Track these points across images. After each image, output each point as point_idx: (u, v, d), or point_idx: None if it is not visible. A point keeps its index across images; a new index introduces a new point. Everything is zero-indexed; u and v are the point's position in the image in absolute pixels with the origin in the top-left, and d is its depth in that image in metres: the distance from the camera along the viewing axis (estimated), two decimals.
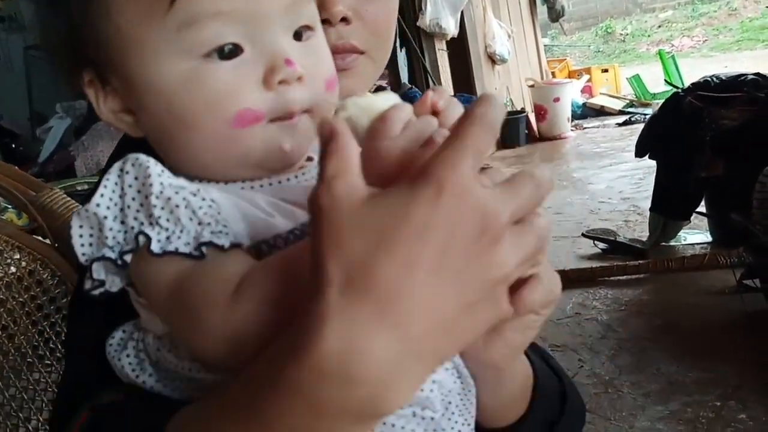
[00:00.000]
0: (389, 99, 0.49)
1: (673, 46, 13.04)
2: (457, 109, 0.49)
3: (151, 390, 0.55)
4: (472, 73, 6.60)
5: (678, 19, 14.72)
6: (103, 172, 0.74)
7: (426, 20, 5.82)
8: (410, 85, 5.47)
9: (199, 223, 0.48)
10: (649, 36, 14.46)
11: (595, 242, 3.78)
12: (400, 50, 5.96)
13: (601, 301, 3.18)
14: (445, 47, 6.20)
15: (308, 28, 0.55)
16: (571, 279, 3.31)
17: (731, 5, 14.32)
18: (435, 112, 0.49)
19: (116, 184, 0.49)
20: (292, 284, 0.44)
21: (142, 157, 0.49)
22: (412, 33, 5.92)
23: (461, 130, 0.41)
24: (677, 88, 3.84)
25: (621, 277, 3.36)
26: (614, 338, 2.82)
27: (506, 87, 7.33)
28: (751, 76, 3.37)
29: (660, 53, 8.40)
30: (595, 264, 3.52)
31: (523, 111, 7.08)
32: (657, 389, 2.40)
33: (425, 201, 0.38)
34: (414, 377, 0.41)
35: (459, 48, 6.41)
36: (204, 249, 0.47)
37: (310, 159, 0.57)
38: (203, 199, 0.49)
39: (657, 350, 2.68)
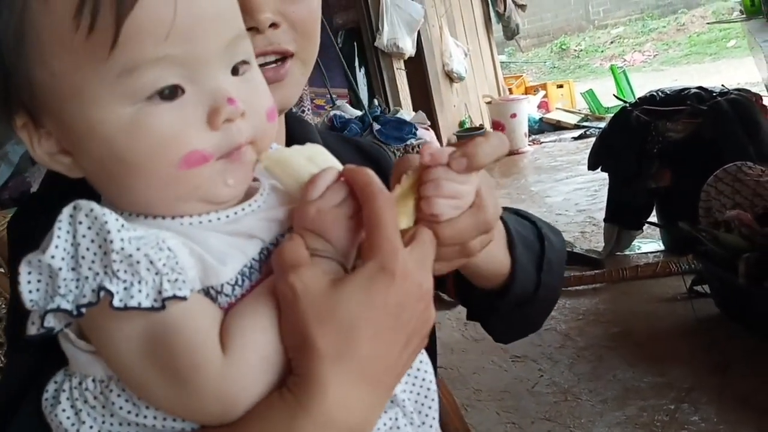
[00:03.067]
0: (305, 153, 0.56)
1: (625, 60, 13.38)
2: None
3: None
4: (431, 91, 6.69)
5: (629, 35, 15.13)
6: (33, 198, 0.75)
7: (383, 40, 5.89)
8: (377, 105, 5.50)
9: (157, 273, 0.48)
10: (602, 51, 14.82)
11: None
12: (359, 70, 6.02)
13: (560, 311, 3.24)
14: (403, 66, 6.28)
15: (245, 62, 0.56)
16: None
17: (679, 21, 14.79)
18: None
19: (69, 233, 0.48)
20: (274, 335, 0.52)
21: (97, 209, 0.48)
22: (370, 53, 5.99)
23: (378, 210, 0.54)
24: (625, 102, 3.96)
25: (578, 287, 3.44)
26: (572, 347, 2.89)
27: (464, 104, 7.45)
28: (694, 90, 3.50)
29: (612, 68, 8.63)
30: None
31: (481, 127, 7.19)
32: (614, 395, 2.47)
33: (382, 288, 0.52)
34: (380, 411, 0.56)
35: (417, 67, 6.49)
36: (166, 303, 0.48)
37: (255, 180, 0.60)
38: (161, 249, 0.48)
39: (613, 357, 2.75)
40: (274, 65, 0.71)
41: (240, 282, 0.54)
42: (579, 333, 3.01)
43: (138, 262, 0.47)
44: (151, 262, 0.48)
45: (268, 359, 0.51)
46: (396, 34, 5.94)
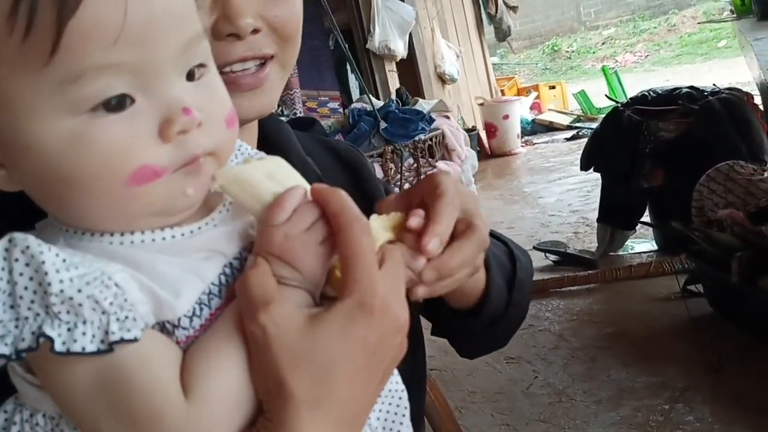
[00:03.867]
0: (263, 168, 0.52)
1: (617, 61, 13.44)
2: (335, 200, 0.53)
3: None
4: (423, 93, 6.69)
5: (621, 36, 15.20)
6: None
7: (375, 42, 5.89)
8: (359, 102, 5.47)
9: (104, 313, 0.44)
10: (593, 53, 14.88)
11: (547, 254, 3.86)
12: (351, 72, 6.01)
13: (553, 311, 3.24)
14: (395, 68, 6.28)
15: (201, 66, 0.51)
16: None
17: (670, 21, 14.86)
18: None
19: (4, 269, 0.43)
20: (242, 376, 0.48)
21: (33, 246, 0.43)
22: (361, 55, 5.98)
23: (354, 241, 0.50)
24: (617, 102, 3.96)
25: (572, 288, 3.44)
26: (566, 348, 2.88)
27: (457, 105, 7.45)
28: (686, 90, 3.51)
29: (603, 69, 8.66)
30: (546, 276, 3.59)
31: (474, 129, 7.20)
32: (608, 396, 2.46)
33: (361, 327, 0.49)
34: None
35: (409, 68, 6.49)
36: (114, 346, 0.44)
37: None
38: (107, 287, 0.44)
39: (607, 358, 2.74)
40: (253, 70, 0.68)
41: (198, 312, 0.49)
42: (573, 333, 3.00)
43: (80, 305, 0.43)
44: (97, 302, 0.44)
45: (236, 403, 0.48)
46: (387, 36, 5.94)
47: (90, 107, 0.45)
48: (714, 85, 3.65)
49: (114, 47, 0.44)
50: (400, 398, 0.61)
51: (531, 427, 2.38)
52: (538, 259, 3.89)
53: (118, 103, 0.45)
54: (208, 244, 0.52)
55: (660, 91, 3.60)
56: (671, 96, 3.50)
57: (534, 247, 3.94)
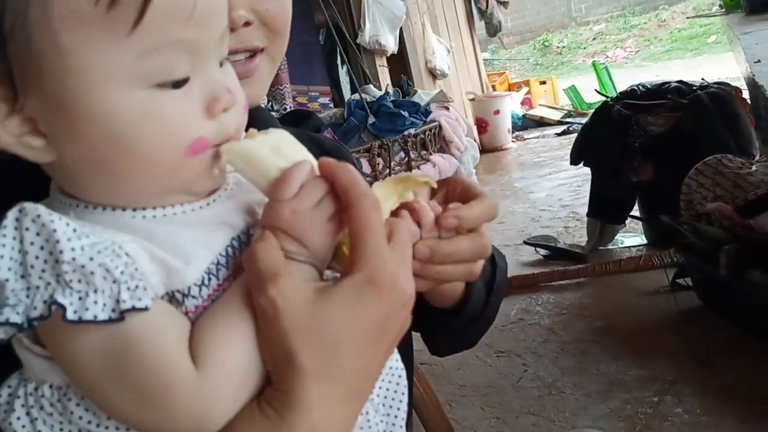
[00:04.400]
0: (268, 143, 0.52)
1: (607, 57, 13.47)
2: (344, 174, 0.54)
3: None
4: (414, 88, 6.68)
5: (611, 32, 15.22)
6: None
7: (365, 37, 5.87)
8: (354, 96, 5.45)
9: (115, 282, 0.45)
10: (584, 48, 14.90)
11: (537, 249, 3.87)
12: (342, 67, 6.00)
13: (544, 305, 3.25)
14: (385, 63, 6.26)
15: (225, 57, 0.55)
16: (514, 286, 3.38)
17: (660, 17, 14.90)
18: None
19: (15, 239, 0.44)
20: (251, 348, 0.49)
21: (44, 215, 0.44)
22: (352, 50, 5.97)
23: (364, 215, 0.51)
24: (607, 97, 3.97)
25: (562, 282, 3.45)
26: (556, 341, 2.89)
27: None
28: (675, 84, 3.52)
29: (594, 65, 8.67)
30: (537, 270, 3.60)
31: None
32: (598, 389, 2.47)
33: (370, 302, 0.50)
34: (357, 418, 0.55)
35: (400, 64, 6.48)
36: (125, 314, 0.45)
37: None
38: (118, 256, 0.45)
39: (597, 351, 2.76)
40: (243, 60, 0.70)
41: (207, 281, 0.51)
42: (563, 327, 3.01)
43: (92, 273, 0.44)
44: (108, 271, 0.44)
45: (245, 374, 0.49)
46: (378, 30, 5.92)
47: (160, 81, 0.48)
48: (703, 79, 3.66)
49: (185, 25, 0.48)
50: (399, 376, 0.62)
51: (521, 421, 2.39)
52: (529, 254, 3.90)
53: (183, 80, 0.49)
54: (217, 216, 0.53)
55: (649, 86, 3.61)
56: (660, 90, 3.51)
57: (524, 242, 3.95)
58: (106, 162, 0.49)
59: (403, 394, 0.62)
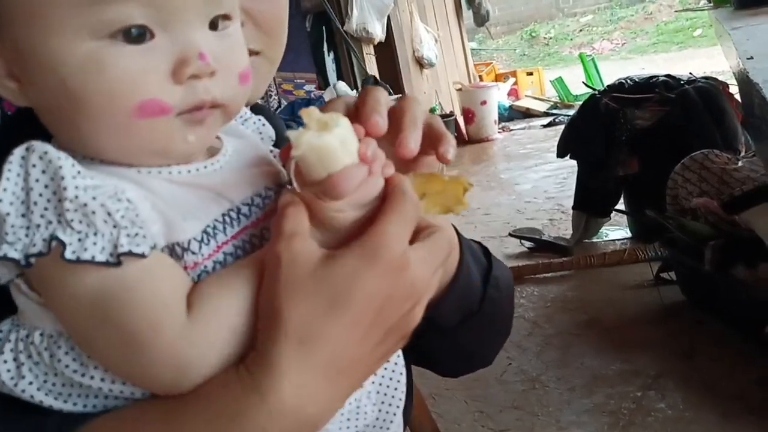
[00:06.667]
0: (340, 136, 0.48)
1: (594, 49, 13.47)
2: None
3: (30, 400, 0.50)
4: (401, 77, 6.64)
5: (598, 23, 15.23)
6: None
7: (353, 25, 5.82)
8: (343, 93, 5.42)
9: (115, 226, 0.44)
10: (571, 39, 14.89)
11: (522, 241, 3.86)
12: (328, 55, 5.94)
13: (528, 298, 3.24)
14: (372, 51, 6.22)
15: (226, 17, 0.51)
16: None
17: (647, 9, 14.92)
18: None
19: (19, 176, 0.44)
20: (249, 308, 0.48)
21: (51, 153, 0.44)
22: (339, 38, 5.91)
23: (401, 200, 0.49)
24: (594, 90, 3.96)
25: (546, 275, 3.44)
26: (540, 335, 2.89)
27: (435, 90, 7.41)
28: (663, 78, 3.51)
29: (581, 56, 8.67)
30: (522, 263, 3.59)
31: (451, 114, 7.17)
32: (582, 383, 2.47)
33: (373, 273, 0.47)
34: (339, 406, 0.51)
35: (387, 52, 6.43)
36: (122, 259, 0.44)
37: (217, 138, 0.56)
38: (119, 201, 0.45)
39: (581, 345, 2.76)
40: None
41: (206, 240, 0.50)
42: (547, 320, 3.00)
43: (93, 212, 0.44)
44: (108, 214, 0.44)
45: (235, 330, 0.47)
46: (365, 18, 5.87)
47: (110, 32, 0.45)
48: (690, 74, 3.65)
49: None
50: (395, 363, 0.60)
51: (504, 414, 2.38)
52: (514, 246, 3.90)
53: (138, 35, 0.46)
54: (214, 185, 0.52)
55: (637, 79, 3.60)
56: (648, 84, 3.51)
57: (509, 234, 3.94)
58: (60, 112, 0.48)
59: (398, 381, 0.60)
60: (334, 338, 0.47)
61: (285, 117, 4.80)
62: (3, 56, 0.49)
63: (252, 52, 0.67)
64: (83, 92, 0.46)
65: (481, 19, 8.63)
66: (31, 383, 0.49)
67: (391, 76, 6.42)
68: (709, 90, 3.34)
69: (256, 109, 0.78)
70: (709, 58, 8.87)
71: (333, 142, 0.48)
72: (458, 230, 0.73)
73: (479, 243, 0.81)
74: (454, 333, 0.73)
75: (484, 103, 7.23)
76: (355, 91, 5.46)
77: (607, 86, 3.79)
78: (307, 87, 5.64)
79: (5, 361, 0.50)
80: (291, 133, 0.47)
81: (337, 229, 0.50)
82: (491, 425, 2.34)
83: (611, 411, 2.28)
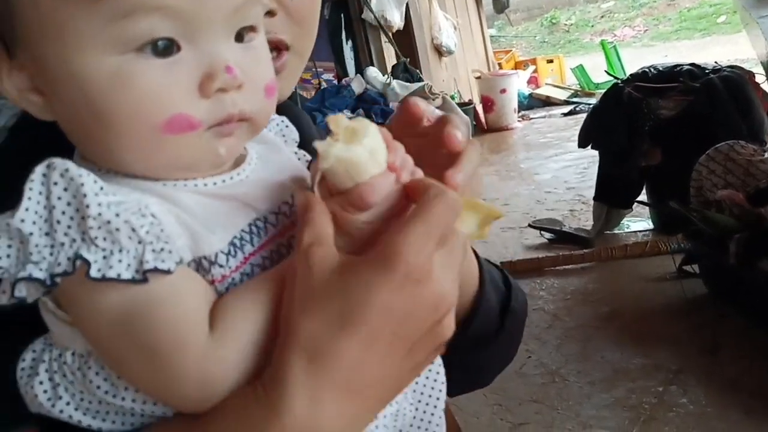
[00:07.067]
0: (369, 146, 0.47)
1: (615, 35, 13.30)
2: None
3: (68, 421, 0.49)
4: (419, 65, 6.60)
5: (620, 10, 15.02)
6: (12, 140, 0.66)
7: (371, 13, 5.78)
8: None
9: (140, 242, 0.44)
10: (592, 26, 14.72)
11: (542, 232, 3.83)
12: (346, 43, 5.92)
13: (548, 290, 3.22)
14: (391, 39, 6.18)
15: (252, 29, 0.50)
16: (518, 270, 3.35)
17: None
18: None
19: (41, 194, 0.43)
20: (271, 321, 0.46)
21: (72, 169, 0.43)
22: (357, 26, 5.88)
23: (427, 208, 0.46)
24: (617, 78, 3.90)
25: (567, 267, 3.41)
26: (560, 327, 2.86)
27: (453, 78, 7.36)
28: (687, 67, 3.45)
29: (602, 43, 8.56)
30: (541, 254, 3.57)
31: (470, 102, 7.13)
32: (602, 377, 2.45)
33: (391, 285, 0.44)
34: (364, 425, 0.49)
35: (405, 40, 6.39)
36: (148, 275, 0.43)
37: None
38: (144, 216, 0.44)
39: (602, 338, 2.73)
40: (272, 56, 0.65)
41: (233, 252, 0.48)
42: (567, 313, 2.98)
43: (117, 230, 0.43)
44: (133, 230, 0.43)
45: (256, 345, 0.46)
46: (384, 6, 5.83)
47: (137, 46, 0.45)
48: (716, 62, 3.59)
49: None
50: (436, 378, 0.58)
51: (523, 408, 2.37)
52: (533, 237, 3.86)
53: (164, 48, 0.45)
54: (240, 195, 0.51)
55: (661, 68, 3.54)
56: (672, 73, 3.45)
57: (529, 225, 3.91)
58: (86, 127, 0.47)
59: (435, 380, 0.58)
60: (348, 355, 0.45)
61: (313, 105, 4.78)
62: (28, 70, 0.48)
63: (282, 45, 0.66)
64: (109, 107, 0.45)
65: (500, 6, 8.55)
66: (68, 403, 0.49)
67: (409, 64, 6.38)
68: (734, 79, 3.27)
69: (283, 108, 0.76)
70: (733, 45, 8.71)
71: (362, 154, 0.46)
72: (477, 254, 0.71)
73: (501, 269, 0.80)
74: (466, 355, 0.71)
75: (503, 91, 7.17)
76: (385, 77, 5.43)
77: (631, 75, 3.74)
78: (326, 76, 5.63)
79: (41, 382, 0.49)
80: (319, 145, 0.46)
81: (363, 237, 0.48)
82: (510, 418, 2.33)
83: (632, 406, 2.26)
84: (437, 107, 0.65)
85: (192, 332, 0.45)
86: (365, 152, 0.47)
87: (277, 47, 0.66)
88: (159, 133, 0.46)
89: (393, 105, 4.94)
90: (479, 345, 0.72)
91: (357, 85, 5.29)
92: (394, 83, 5.38)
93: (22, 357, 0.51)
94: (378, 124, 0.50)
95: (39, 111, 0.50)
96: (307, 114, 0.86)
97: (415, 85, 5.45)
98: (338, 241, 0.47)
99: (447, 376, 0.78)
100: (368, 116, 4.40)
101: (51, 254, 0.43)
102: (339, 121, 0.47)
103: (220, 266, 0.48)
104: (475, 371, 0.78)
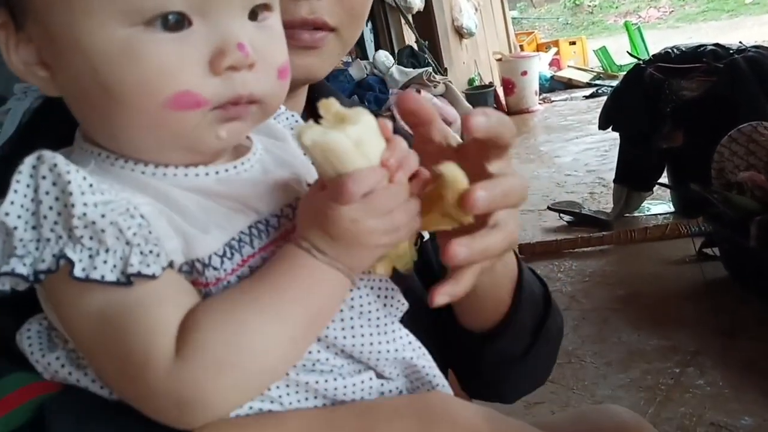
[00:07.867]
0: (356, 135, 0.46)
1: (640, 17, 13.09)
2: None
3: (86, 390, 0.49)
4: (440, 47, 6.56)
5: None
6: (23, 135, 0.65)
7: None
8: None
9: (127, 243, 0.43)
10: (616, 8, 14.49)
11: (561, 215, 3.81)
12: (366, 24, 5.90)
13: (566, 272, 3.21)
14: (411, 21, 6.14)
15: (266, 8, 0.49)
16: (536, 252, 3.34)
17: None
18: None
19: (29, 187, 0.43)
20: (248, 333, 0.45)
21: (61, 165, 0.42)
22: (377, 7, 5.85)
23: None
24: (639, 59, 3.85)
25: (585, 249, 3.40)
26: (578, 309, 2.86)
27: (474, 61, 7.31)
28: (710, 47, 3.39)
29: (626, 25, 8.43)
30: (560, 236, 3.55)
31: (491, 85, 7.08)
32: (618, 358, 2.44)
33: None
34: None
35: (425, 22, 6.35)
36: (132, 279, 0.43)
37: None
38: (132, 217, 0.43)
39: (619, 320, 2.72)
40: (311, 30, 0.64)
41: (229, 254, 0.48)
42: (585, 295, 2.97)
43: (103, 231, 0.42)
44: (120, 231, 0.43)
45: (224, 362, 0.44)
46: None
47: (147, 19, 0.44)
48: (740, 42, 3.52)
49: None
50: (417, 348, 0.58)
51: (539, 388, 2.37)
52: (552, 220, 3.85)
53: (175, 22, 0.44)
54: (240, 196, 0.50)
55: (684, 49, 3.48)
56: (696, 53, 3.39)
57: (548, 207, 3.89)
58: (91, 100, 0.47)
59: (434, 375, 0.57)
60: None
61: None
62: (35, 43, 0.48)
63: (328, 28, 0.65)
64: (116, 80, 0.45)
65: None
66: (86, 374, 0.49)
67: (429, 45, 6.35)
68: (759, 59, 3.21)
69: (316, 87, 0.75)
70: (761, 26, 8.53)
71: (342, 141, 0.45)
72: (522, 269, 0.68)
73: (544, 285, 0.76)
74: (488, 365, 0.70)
75: (524, 73, 7.11)
76: (394, 61, 5.39)
77: (653, 56, 3.69)
78: (345, 57, 5.61)
79: (57, 358, 0.49)
80: (297, 126, 0.47)
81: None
82: (525, 397, 2.33)
83: (648, 386, 2.26)
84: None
85: (158, 345, 0.44)
86: (347, 141, 0.45)
87: (320, 28, 0.64)
88: (163, 108, 0.45)
89: (393, 91, 4.85)
90: (503, 363, 0.70)
91: (356, 70, 5.13)
92: (393, 69, 5.15)
93: (26, 327, 0.51)
94: (372, 112, 0.49)
95: (45, 85, 0.49)
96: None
97: (414, 72, 5.21)
98: (328, 249, 0.47)
99: (468, 387, 0.77)
100: (362, 102, 4.37)
101: (36, 249, 0.43)
102: (330, 105, 0.47)
103: (214, 269, 0.47)
104: (498, 385, 0.77)
